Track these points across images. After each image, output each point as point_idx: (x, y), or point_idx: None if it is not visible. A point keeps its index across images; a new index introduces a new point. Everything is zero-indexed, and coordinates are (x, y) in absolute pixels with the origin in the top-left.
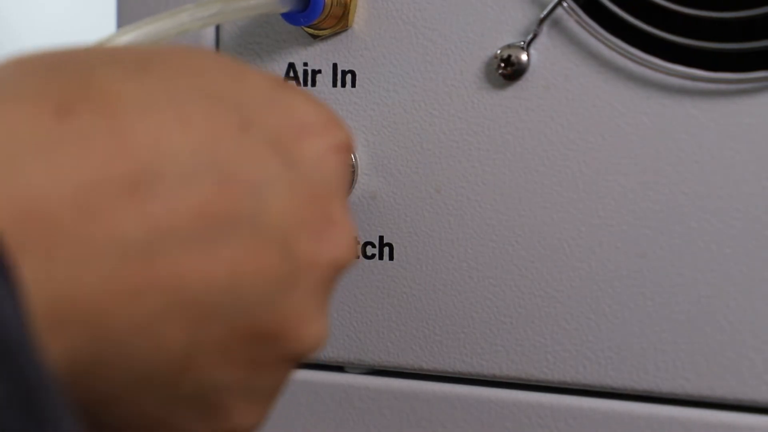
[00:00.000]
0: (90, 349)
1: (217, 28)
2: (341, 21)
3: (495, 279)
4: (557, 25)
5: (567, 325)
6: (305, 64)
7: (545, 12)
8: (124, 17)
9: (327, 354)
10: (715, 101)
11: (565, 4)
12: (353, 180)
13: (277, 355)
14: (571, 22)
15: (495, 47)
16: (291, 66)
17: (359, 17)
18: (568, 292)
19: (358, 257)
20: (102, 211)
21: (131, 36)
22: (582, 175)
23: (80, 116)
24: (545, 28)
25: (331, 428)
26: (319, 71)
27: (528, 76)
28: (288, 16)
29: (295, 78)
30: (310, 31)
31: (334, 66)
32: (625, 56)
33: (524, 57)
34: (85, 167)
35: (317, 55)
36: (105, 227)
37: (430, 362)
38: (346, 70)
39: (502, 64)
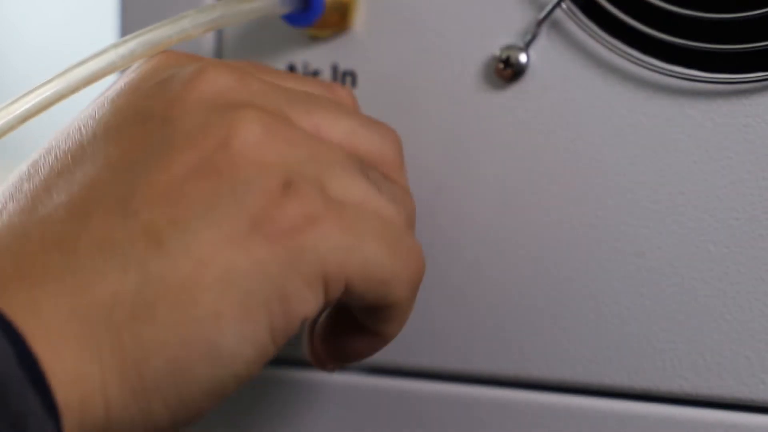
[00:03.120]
0: None
1: (219, 31)
2: (341, 22)
3: (494, 279)
4: (556, 26)
5: (566, 324)
6: (305, 65)
7: (544, 13)
8: (127, 21)
9: None
10: (713, 102)
11: (563, 6)
12: None
13: None
14: (569, 24)
15: (494, 48)
16: (291, 67)
17: (359, 18)
18: (566, 291)
19: None
20: None
21: (104, 59)
22: (580, 175)
23: None
24: (544, 29)
25: (330, 428)
26: (320, 72)
27: (527, 77)
28: (288, 18)
29: None
30: (311, 32)
31: (334, 67)
32: (624, 57)
33: (523, 58)
34: None
35: (317, 56)
36: None
37: (430, 362)
38: (347, 70)
39: (502, 65)
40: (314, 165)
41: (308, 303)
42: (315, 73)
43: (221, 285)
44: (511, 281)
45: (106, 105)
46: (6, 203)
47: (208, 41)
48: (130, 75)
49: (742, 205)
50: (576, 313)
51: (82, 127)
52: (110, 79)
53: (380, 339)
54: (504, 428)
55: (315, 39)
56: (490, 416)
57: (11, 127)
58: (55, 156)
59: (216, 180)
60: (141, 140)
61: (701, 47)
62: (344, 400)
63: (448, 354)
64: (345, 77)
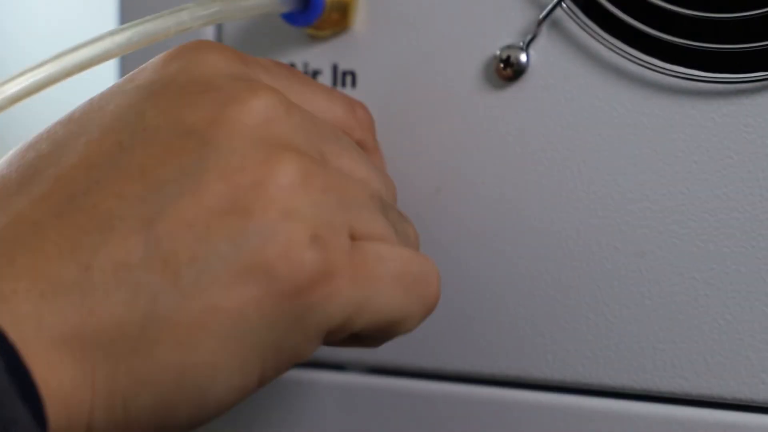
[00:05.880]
0: None
1: (219, 29)
2: (341, 21)
3: (494, 278)
4: (556, 25)
5: (566, 324)
6: (305, 65)
7: (544, 13)
8: (125, 14)
9: (327, 353)
10: (713, 102)
11: (564, 5)
12: None
13: None
14: (570, 23)
15: (494, 48)
16: (291, 66)
17: (359, 17)
18: (567, 291)
19: None
20: None
21: (106, 43)
22: (581, 175)
23: None
24: (544, 28)
25: (331, 428)
26: (320, 71)
27: (527, 76)
28: (288, 17)
29: None
30: (311, 31)
31: (335, 66)
32: (624, 57)
33: (523, 58)
34: None
35: (317, 56)
36: None
37: (430, 362)
38: (347, 70)
39: (502, 65)
40: (343, 210)
41: (304, 354)
42: (315, 74)
43: (225, 334)
44: (511, 281)
45: (149, 100)
46: (21, 185)
47: (209, 38)
48: (172, 65)
49: (742, 205)
50: (576, 313)
51: (121, 119)
52: (106, 65)
53: (375, 344)
54: (504, 428)
55: (315, 39)
56: (490, 416)
57: (1, 107)
58: (86, 144)
59: (244, 220)
60: (177, 156)
61: (701, 47)
62: (344, 400)
63: (448, 354)
64: (345, 77)
